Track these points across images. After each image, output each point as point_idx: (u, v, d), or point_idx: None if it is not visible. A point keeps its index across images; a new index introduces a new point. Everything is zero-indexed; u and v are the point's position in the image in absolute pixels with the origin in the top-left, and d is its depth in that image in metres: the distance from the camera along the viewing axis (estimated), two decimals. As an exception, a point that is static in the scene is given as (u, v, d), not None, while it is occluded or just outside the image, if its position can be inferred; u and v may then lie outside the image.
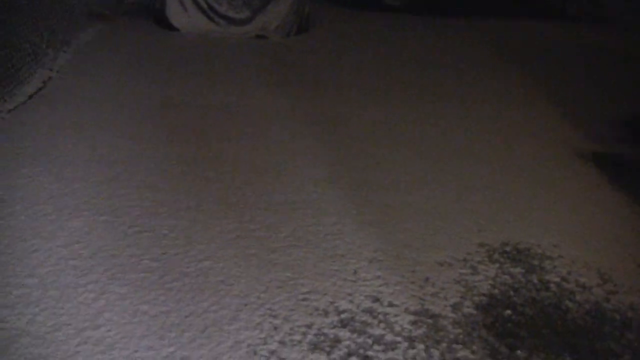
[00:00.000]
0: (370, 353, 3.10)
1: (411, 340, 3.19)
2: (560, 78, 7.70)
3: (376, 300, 3.46)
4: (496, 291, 3.64)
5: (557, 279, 3.80)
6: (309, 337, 3.17)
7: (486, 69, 8.00)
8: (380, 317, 3.34)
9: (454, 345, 3.19)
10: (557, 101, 6.84)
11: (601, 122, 6.34)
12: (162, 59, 7.68)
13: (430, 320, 3.34)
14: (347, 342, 3.15)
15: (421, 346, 3.17)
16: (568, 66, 8.21)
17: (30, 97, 5.92)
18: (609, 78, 7.67)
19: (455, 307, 3.46)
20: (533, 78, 7.67)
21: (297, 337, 3.16)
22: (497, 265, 3.88)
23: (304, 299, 3.42)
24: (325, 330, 3.22)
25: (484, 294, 3.60)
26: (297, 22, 9.15)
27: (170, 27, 8.92)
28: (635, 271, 3.98)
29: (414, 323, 3.31)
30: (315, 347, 3.11)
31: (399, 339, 3.20)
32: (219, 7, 9.04)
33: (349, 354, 3.08)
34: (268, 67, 7.49)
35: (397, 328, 3.27)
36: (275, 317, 3.28)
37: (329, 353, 3.08)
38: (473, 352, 3.16)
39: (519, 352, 3.20)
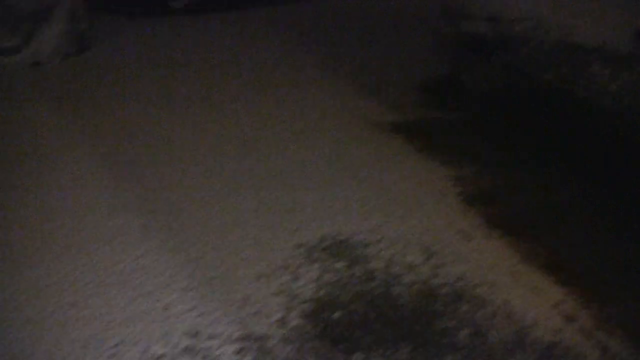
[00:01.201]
0: (196, 399, 2.79)
1: (239, 373, 2.90)
2: (350, 50, 7.54)
3: (194, 335, 3.13)
4: (322, 293, 3.40)
5: (382, 265, 3.62)
6: (125, 396, 2.81)
7: (272, 53, 7.66)
8: (202, 353, 3.02)
9: (287, 366, 2.93)
10: (349, 75, 6.66)
11: (397, 91, 6.19)
12: None
13: (256, 345, 3.05)
14: (169, 392, 2.83)
15: (251, 376, 2.89)
16: (357, 37, 8.08)
17: None
18: (397, 44, 7.62)
19: (281, 323, 3.19)
20: (321, 54, 7.47)
21: (112, 401, 2.79)
22: (318, 264, 3.63)
23: (114, 355, 3.03)
24: (143, 385, 2.87)
25: (309, 300, 3.35)
26: (75, 42, 8.49)
27: None
28: (457, 238, 3.88)
29: (239, 352, 3.01)
30: (133, 408, 2.76)
31: (225, 374, 2.90)
32: (-17, 36, 8.19)
33: (172, 407, 2.76)
34: (42, 96, 6.83)
35: (222, 362, 2.96)
36: (83, 382, 2.89)
37: (149, 411, 2.74)
38: (308, 369, 2.91)
39: (355, 355, 2.99)
